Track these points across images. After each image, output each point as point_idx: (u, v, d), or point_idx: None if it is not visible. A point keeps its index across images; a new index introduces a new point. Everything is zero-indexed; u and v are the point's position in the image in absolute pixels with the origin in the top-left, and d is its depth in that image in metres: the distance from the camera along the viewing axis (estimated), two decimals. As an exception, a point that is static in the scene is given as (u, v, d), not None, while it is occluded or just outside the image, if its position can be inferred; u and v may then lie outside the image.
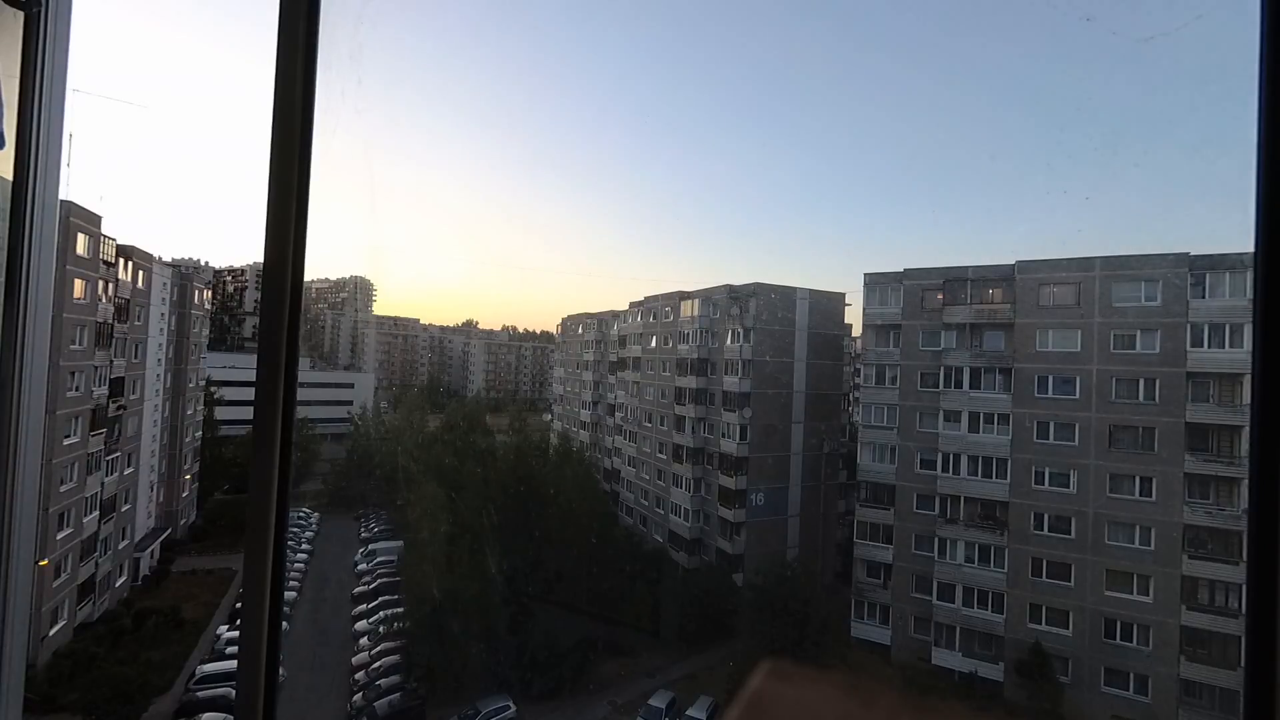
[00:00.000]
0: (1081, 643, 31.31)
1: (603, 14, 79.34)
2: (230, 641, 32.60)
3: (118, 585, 38.10)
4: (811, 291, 45.97)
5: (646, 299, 54.24)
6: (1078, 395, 32.74)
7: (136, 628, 34.44)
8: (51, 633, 31.24)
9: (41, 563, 30.45)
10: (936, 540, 35.52)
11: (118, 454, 38.66)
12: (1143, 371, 31.29)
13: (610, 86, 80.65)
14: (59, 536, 32.16)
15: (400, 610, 35.71)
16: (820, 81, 68.02)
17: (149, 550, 41.91)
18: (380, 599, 37.94)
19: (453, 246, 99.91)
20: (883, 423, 38.83)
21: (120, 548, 38.65)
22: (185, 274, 53.11)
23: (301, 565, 42.66)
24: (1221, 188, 42.76)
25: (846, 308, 47.50)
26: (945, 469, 35.92)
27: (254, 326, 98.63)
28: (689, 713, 29.72)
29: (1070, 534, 32.25)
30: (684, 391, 47.88)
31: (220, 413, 56.68)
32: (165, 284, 46.02)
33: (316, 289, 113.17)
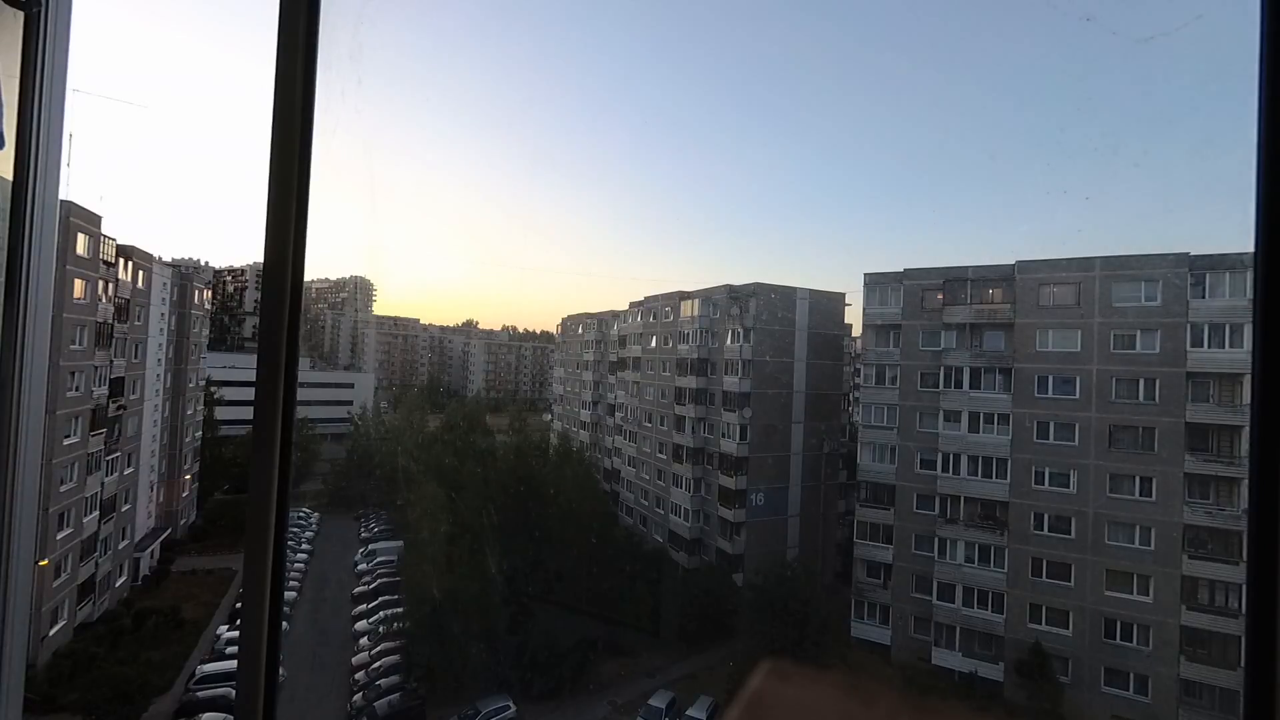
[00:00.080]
0: (1081, 643, 31.31)
1: (603, 14, 79.37)
2: (230, 641, 32.60)
3: (118, 585, 38.10)
4: (811, 291, 45.97)
5: (646, 299, 54.23)
6: (1078, 395, 32.74)
7: (136, 628, 34.45)
8: (51, 633, 31.25)
9: (41, 563, 30.45)
10: (936, 540, 35.53)
11: (118, 454, 38.66)
12: (1143, 371, 31.29)
13: (610, 87, 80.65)
14: (59, 536, 32.17)
15: (400, 610, 35.73)
16: (820, 81, 68.09)
17: (149, 550, 41.90)
18: (380, 599, 37.97)
19: (453, 246, 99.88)
20: (883, 423, 38.83)
21: (120, 548, 38.65)
22: (185, 274, 53.08)
23: (301, 565, 42.67)
24: (1221, 188, 42.80)
25: (846, 308, 47.59)
26: (945, 469, 35.92)
27: (254, 326, 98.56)
28: (689, 713, 29.71)
29: (1070, 534, 32.26)
30: (684, 391, 47.87)
31: (220, 413, 56.64)
32: (165, 284, 46.02)
33: (316, 289, 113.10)
